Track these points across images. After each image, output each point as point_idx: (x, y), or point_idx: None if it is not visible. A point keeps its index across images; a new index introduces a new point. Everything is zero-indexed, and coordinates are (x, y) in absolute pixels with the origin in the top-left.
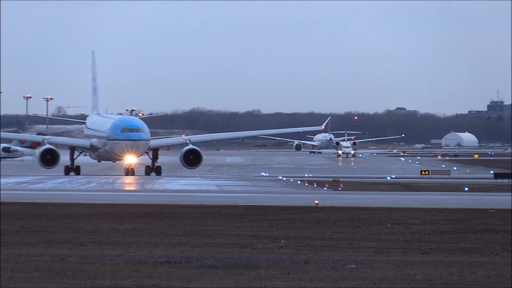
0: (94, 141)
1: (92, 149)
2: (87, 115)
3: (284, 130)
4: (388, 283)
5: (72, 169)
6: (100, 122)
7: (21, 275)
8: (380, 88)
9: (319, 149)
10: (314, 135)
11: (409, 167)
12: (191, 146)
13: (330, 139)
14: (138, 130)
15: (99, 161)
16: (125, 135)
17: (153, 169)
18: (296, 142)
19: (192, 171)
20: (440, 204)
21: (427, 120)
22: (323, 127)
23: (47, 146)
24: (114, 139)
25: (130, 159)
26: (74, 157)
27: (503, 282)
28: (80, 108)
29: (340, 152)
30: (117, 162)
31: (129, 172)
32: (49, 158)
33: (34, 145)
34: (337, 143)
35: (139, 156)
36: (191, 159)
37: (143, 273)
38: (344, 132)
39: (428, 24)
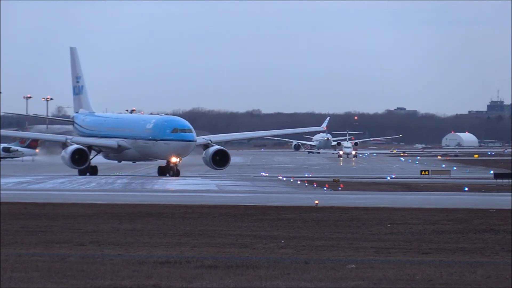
0: (121, 141)
1: (117, 149)
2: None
3: (295, 130)
4: (388, 283)
5: (88, 170)
6: (126, 121)
7: (21, 275)
8: (380, 88)
9: (318, 149)
10: (313, 135)
11: (409, 167)
12: (218, 146)
13: (328, 139)
14: (190, 130)
15: (119, 161)
16: (177, 135)
17: (169, 170)
18: (295, 142)
19: (215, 172)
20: (440, 204)
21: (427, 120)
22: (325, 128)
23: (77, 146)
24: (163, 139)
25: (174, 160)
26: (91, 157)
27: (503, 282)
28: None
29: (341, 152)
30: (138, 162)
31: (174, 172)
32: (77, 158)
33: (33, 144)
34: (338, 143)
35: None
36: (218, 159)
37: (143, 273)
38: (345, 132)
39: (428, 24)
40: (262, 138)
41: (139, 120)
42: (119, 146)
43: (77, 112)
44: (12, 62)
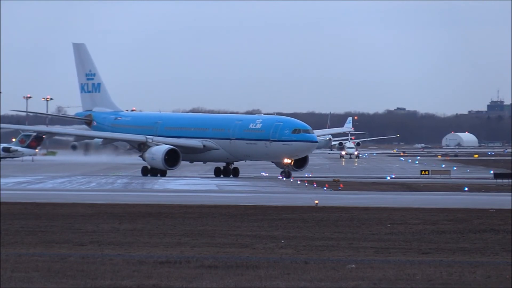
0: (206, 141)
1: (201, 150)
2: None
3: (328, 130)
4: (388, 283)
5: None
6: (210, 121)
7: (21, 275)
8: (380, 88)
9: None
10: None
11: (409, 167)
12: None
13: (330, 139)
14: (312, 131)
15: (191, 162)
16: (300, 136)
17: (227, 171)
18: None
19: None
20: (440, 204)
21: (427, 120)
22: (352, 128)
23: (169, 146)
24: (281, 140)
25: (287, 161)
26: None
27: (503, 282)
28: (80, 107)
29: (343, 152)
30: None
31: (286, 174)
32: (167, 159)
33: (33, 144)
34: (340, 143)
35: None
36: (295, 160)
37: (143, 273)
38: (347, 132)
39: (428, 24)
40: None
41: (232, 120)
42: (204, 146)
43: (89, 110)
44: (12, 62)
